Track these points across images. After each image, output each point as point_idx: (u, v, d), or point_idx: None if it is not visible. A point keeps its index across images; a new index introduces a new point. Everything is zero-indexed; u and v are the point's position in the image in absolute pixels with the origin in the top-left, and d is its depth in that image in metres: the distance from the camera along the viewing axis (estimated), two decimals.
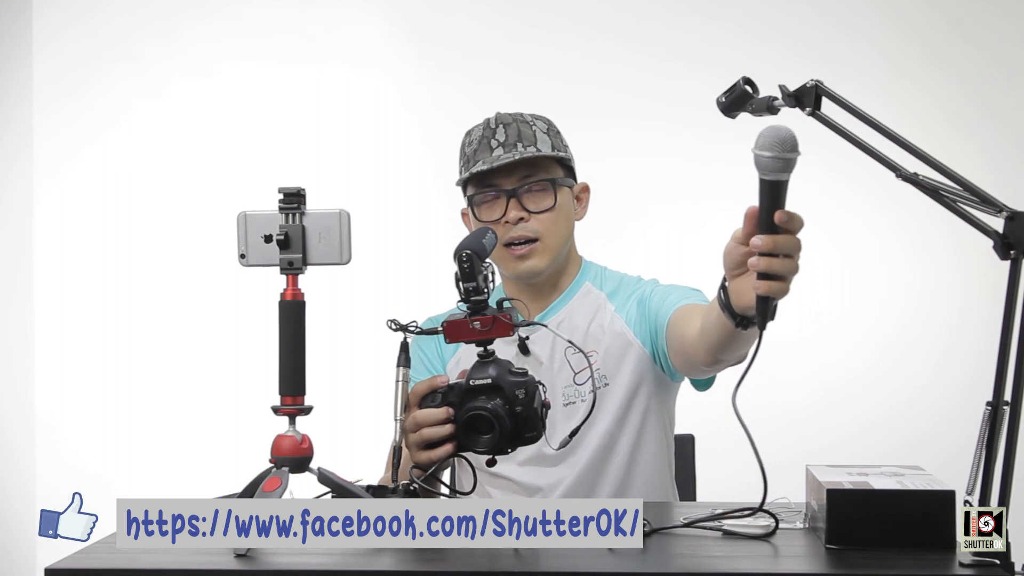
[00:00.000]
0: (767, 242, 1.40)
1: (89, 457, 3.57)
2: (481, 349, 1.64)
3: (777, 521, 1.52)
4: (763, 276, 1.42)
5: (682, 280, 2.09)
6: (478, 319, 1.61)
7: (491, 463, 1.71)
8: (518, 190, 2.04)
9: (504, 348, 1.67)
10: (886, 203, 3.49)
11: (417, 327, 1.69)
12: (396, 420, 1.70)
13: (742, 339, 1.62)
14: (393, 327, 1.69)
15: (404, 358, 1.70)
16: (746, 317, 1.51)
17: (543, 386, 1.66)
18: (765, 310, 1.44)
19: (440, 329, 1.64)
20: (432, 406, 1.67)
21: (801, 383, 3.49)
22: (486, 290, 1.63)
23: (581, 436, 1.96)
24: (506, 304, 1.64)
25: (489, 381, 1.62)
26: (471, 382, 1.63)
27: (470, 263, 1.61)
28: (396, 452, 1.68)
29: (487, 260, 1.66)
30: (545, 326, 1.84)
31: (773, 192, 1.41)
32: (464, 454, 1.70)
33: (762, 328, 1.47)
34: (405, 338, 1.70)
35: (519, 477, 2.05)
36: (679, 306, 1.95)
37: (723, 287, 1.54)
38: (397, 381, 1.71)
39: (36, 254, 3.70)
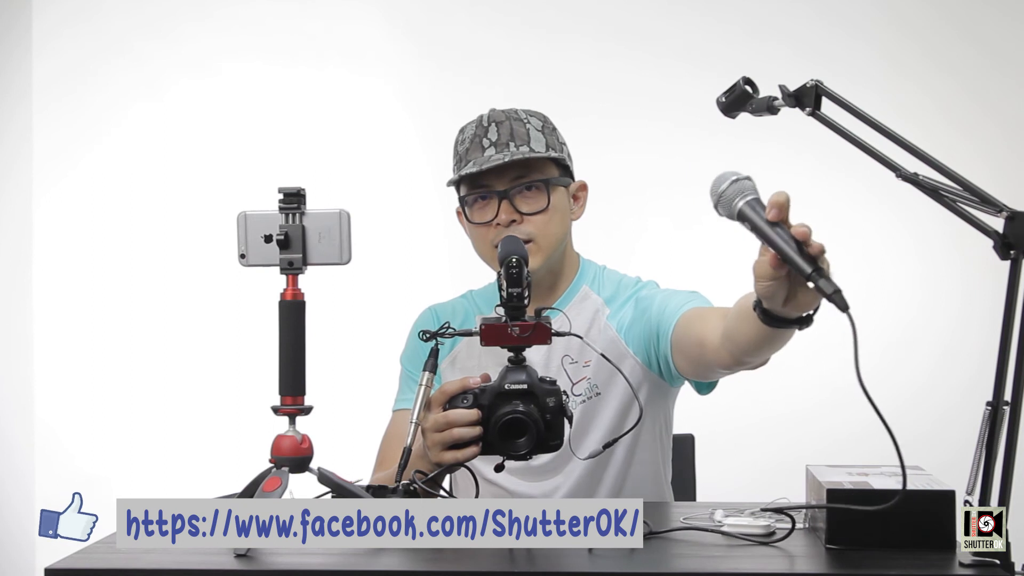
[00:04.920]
0: (803, 231, 1.36)
1: (89, 457, 3.57)
2: (512, 354, 1.64)
3: (794, 521, 1.51)
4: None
5: (684, 279, 2.08)
6: (517, 325, 1.62)
7: (499, 469, 1.70)
8: (510, 191, 1.99)
9: (499, 352, 1.66)
10: (886, 203, 3.49)
11: (450, 329, 1.69)
12: (412, 422, 1.70)
13: (778, 340, 1.60)
14: (424, 337, 1.69)
15: (431, 363, 1.70)
16: (800, 318, 1.48)
17: (567, 397, 1.66)
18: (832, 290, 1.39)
19: (476, 331, 1.64)
20: (463, 407, 1.66)
21: (801, 383, 3.48)
22: (528, 297, 1.63)
23: (576, 446, 1.95)
24: (544, 313, 1.65)
25: (525, 386, 1.63)
26: (506, 386, 1.63)
27: (519, 269, 1.62)
28: (406, 453, 1.68)
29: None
30: (581, 338, 1.82)
31: (755, 214, 1.40)
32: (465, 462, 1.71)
33: (842, 306, 1.40)
34: (436, 343, 1.70)
35: (514, 486, 2.03)
36: (685, 311, 1.91)
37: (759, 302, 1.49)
38: (420, 384, 1.71)
39: (35, 254, 3.70)
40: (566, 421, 1.64)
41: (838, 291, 1.38)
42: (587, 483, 2.02)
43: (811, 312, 1.48)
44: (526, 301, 1.63)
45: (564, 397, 1.64)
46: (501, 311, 1.63)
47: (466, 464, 1.73)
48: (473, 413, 1.65)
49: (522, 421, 1.62)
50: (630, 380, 1.98)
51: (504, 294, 1.63)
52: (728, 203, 1.43)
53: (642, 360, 2.01)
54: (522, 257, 1.64)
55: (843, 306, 1.38)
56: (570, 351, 2.03)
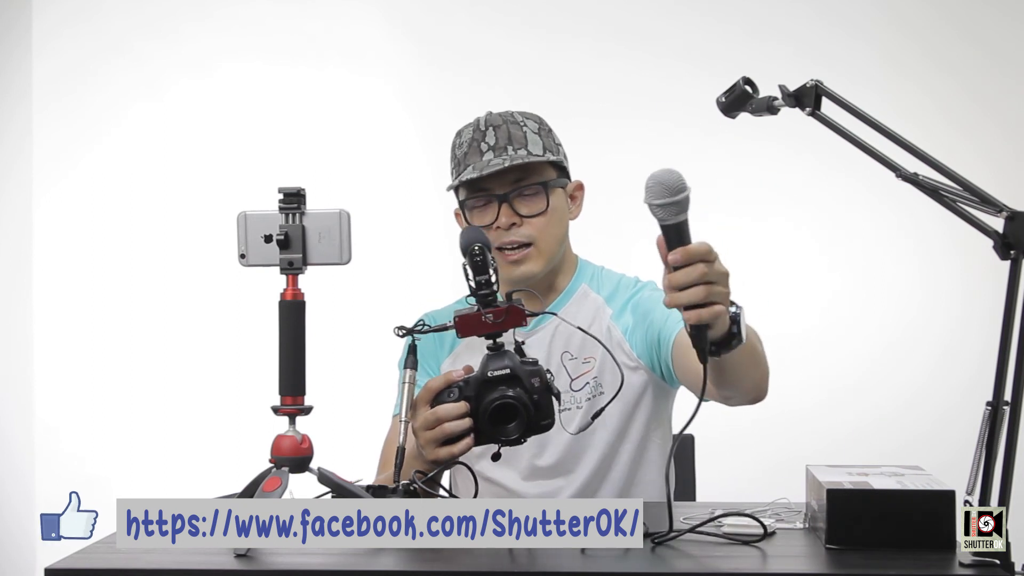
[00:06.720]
0: (679, 278, 1.45)
1: (88, 457, 3.57)
2: (491, 342, 1.65)
3: (765, 528, 1.51)
4: (689, 307, 1.44)
5: None
6: (490, 312, 1.62)
7: (496, 457, 1.70)
8: (509, 195, 1.99)
9: None
10: (886, 203, 3.49)
11: (424, 325, 1.70)
12: (403, 421, 1.70)
13: (732, 369, 1.61)
14: (400, 333, 1.69)
15: (412, 360, 1.71)
16: (714, 344, 1.50)
17: (551, 374, 1.66)
18: (701, 342, 1.46)
19: (451, 325, 1.64)
20: (449, 401, 1.67)
21: (801, 383, 3.48)
22: (495, 282, 1.63)
23: (581, 449, 1.95)
24: (515, 296, 1.65)
25: (508, 371, 1.64)
26: (489, 374, 1.64)
27: (482, 256, 1.63)
28: (400, 452, 1.68)
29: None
30: (556, 315, 1.82)
31: (678, 234, 1.48)
32: (463, 460, 1.71)
33: (704, 360, 1.48)
34: (413, 340, 1.70)
35: (518, 489, 2.02)
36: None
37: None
38: (403, 382, 1.71)
39: (35, 254, 3.70)
40: (553, 399, 1.65)
41: (699, 348, 1.48)
42: (593, 486, 2.01)
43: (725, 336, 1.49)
44: (495, 287, 1.63)
45: (549, 375, 1.65)
46: (473, 301, 1.64)
47: (466, 464, 1.73)
48: (461, 406, 1.66)
49: (510, 405, 1.63)
50: (635, 383, 1.99)
51: (472, 283, 1.63)
52: (657, 214, 1.47)
53: (645, 363, 2.01)
54: (484, 244, 1.64)
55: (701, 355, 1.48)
56: (570, 347, 2.03)
